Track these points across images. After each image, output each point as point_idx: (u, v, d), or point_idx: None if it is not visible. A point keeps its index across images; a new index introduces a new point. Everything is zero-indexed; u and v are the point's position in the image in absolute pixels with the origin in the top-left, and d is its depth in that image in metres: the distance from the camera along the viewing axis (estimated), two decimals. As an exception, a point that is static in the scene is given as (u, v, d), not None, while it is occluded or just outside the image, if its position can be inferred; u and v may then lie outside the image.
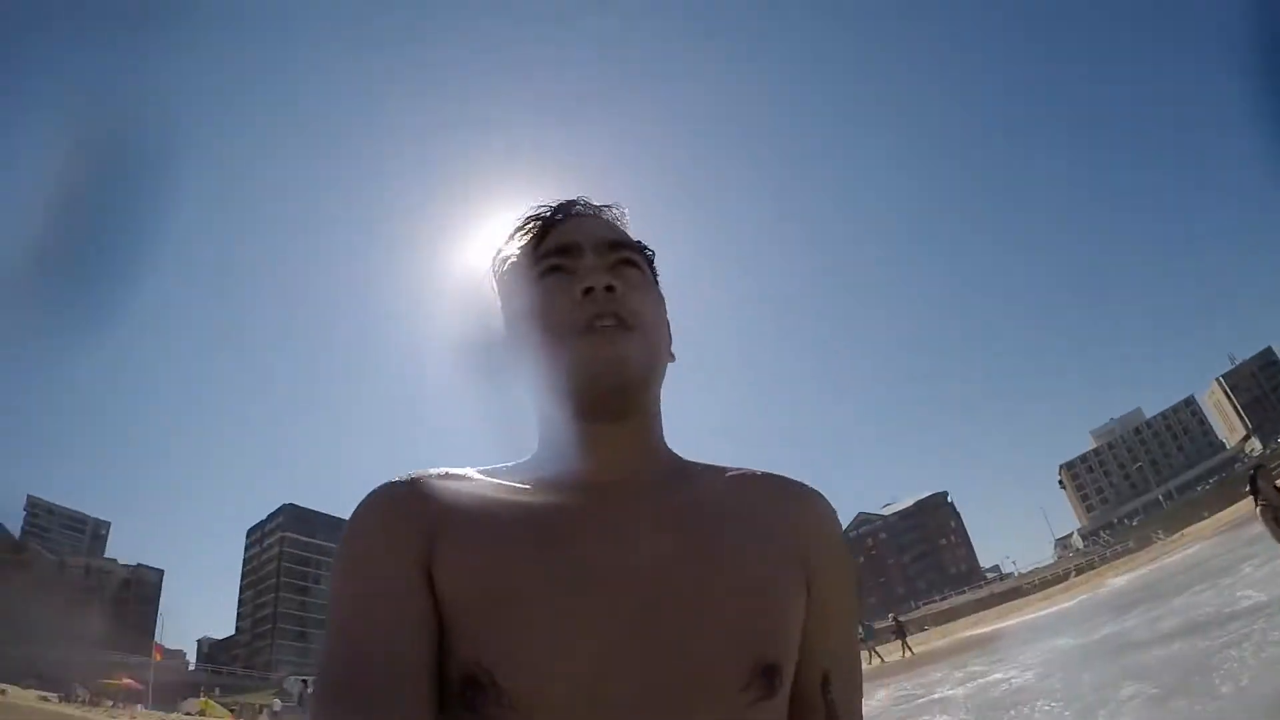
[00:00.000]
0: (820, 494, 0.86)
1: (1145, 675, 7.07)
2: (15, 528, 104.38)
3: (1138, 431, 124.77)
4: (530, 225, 0.87)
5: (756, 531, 0.77)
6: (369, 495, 0.76)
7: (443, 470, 0.80)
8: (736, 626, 0.70)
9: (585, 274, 0.78)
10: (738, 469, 0.86)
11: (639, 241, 0.89)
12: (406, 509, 0.74)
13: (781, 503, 0.82)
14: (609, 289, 0.77)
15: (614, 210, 0.90)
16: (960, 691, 10.56)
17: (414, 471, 0.79)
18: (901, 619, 31.47)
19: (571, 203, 0.88)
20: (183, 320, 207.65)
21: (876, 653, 24.28)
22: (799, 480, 0.87)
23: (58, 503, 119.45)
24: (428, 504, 0.74)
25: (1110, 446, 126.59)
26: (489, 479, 0.80)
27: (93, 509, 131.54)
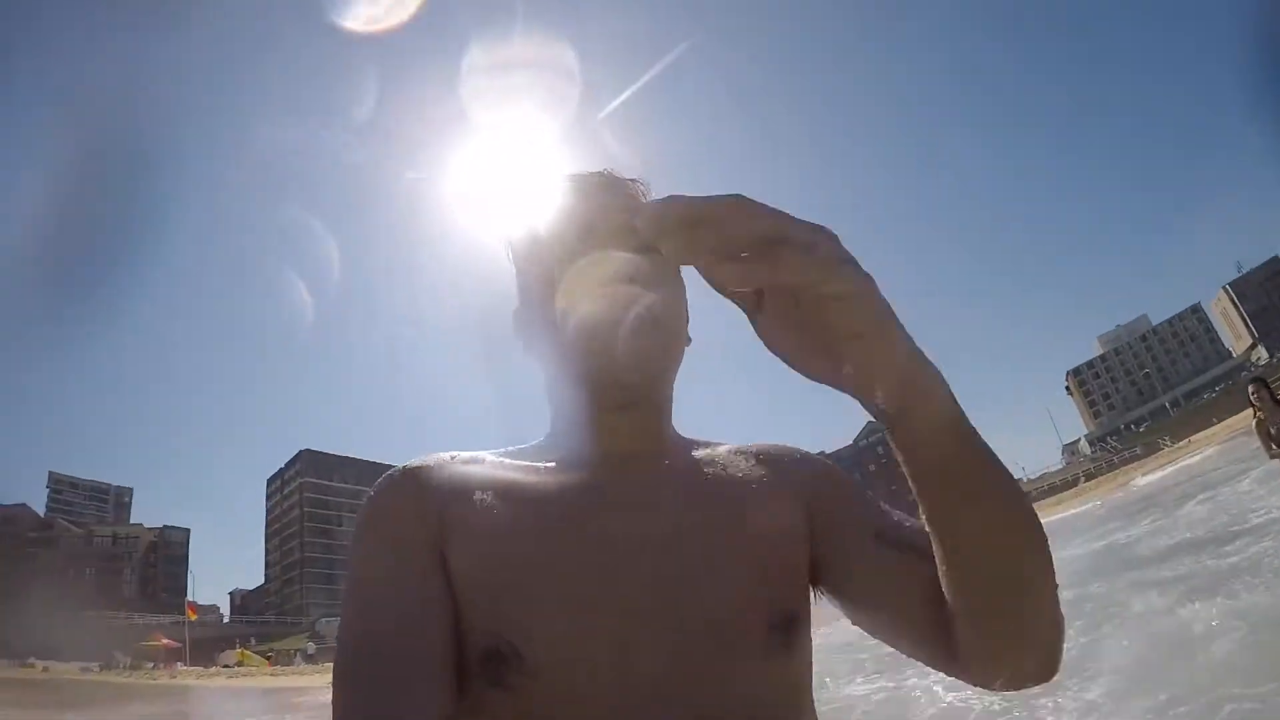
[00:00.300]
0: (819, 457, 0.89)
1: (1154, 586, 7.08)
2: (40, 505, 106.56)
3: (1144, 338, 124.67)
4: (551, 202, 0.85)
5: (759, 490, 0.79)
6: (382, 479, 0.78)
7: (454, 454, 0.82)
8: (750, 579, 0.72)
9: (604, 260, 0.77)
10: (738, 445, 0.88)
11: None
12: (419, 491, 0.75)
13: (779, 463, 0.84)
14: (629, 278, 0.76)
15: (640, 186, 0.87)
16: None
17: (426, 456, 0.81)
18: None
19: (597, 177, 0.85)
20: (188, 278, 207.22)
21: None
22: (797, 447, 0.89)
23: (79, 475, 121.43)
24: (440, 486, 0.76)
25: (1117, 353, 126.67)
26: (500, 460, 0.82)
27: (114, 477, 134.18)
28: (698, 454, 0.84)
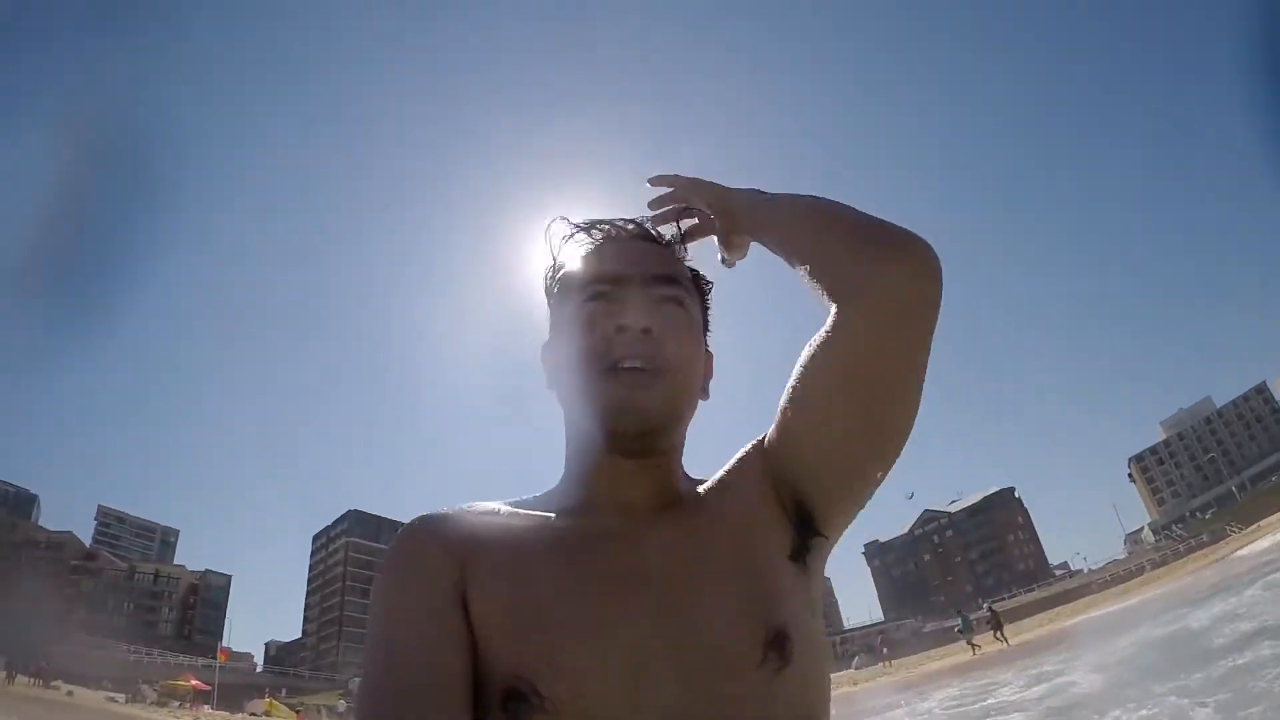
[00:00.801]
0: (748, 448, 0.92)
1: (1219, 685, 6.54)
2: (86, 536, 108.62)
3: (1208, 421, 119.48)
4: (585, 244, 0.89)
5: (742, 515, 0.83)
6: (405, 527, 0.82)
7: (472, 505, 0.85)
8: (740, 603, 0.75)
9: (625, 309, 0.80)
10: (720, 471, 0.91)
11: (694, 272, 0.92)
12: (440, 537, 0.79)
13: (741, 475, 0.88)
14: (645, 330, 0.79)
15: (665, 239, 0.93)
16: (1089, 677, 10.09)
17: (446, 507, 0.84)
18: (996, 608, 30.41)
19: (630, 224, 0.90)
20: (251, 336, 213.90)
21: (974, 644, 23.77)
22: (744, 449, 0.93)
23: (128, 511, 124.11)
24: (460, 532, 0.79)
25: (1180, 437, 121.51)
26: (515, 509, 0.85)
27: (162, 517, 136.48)
28: (697, 491, 0.87)
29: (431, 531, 0.80)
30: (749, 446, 0.90)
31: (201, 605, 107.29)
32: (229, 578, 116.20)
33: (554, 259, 0.91)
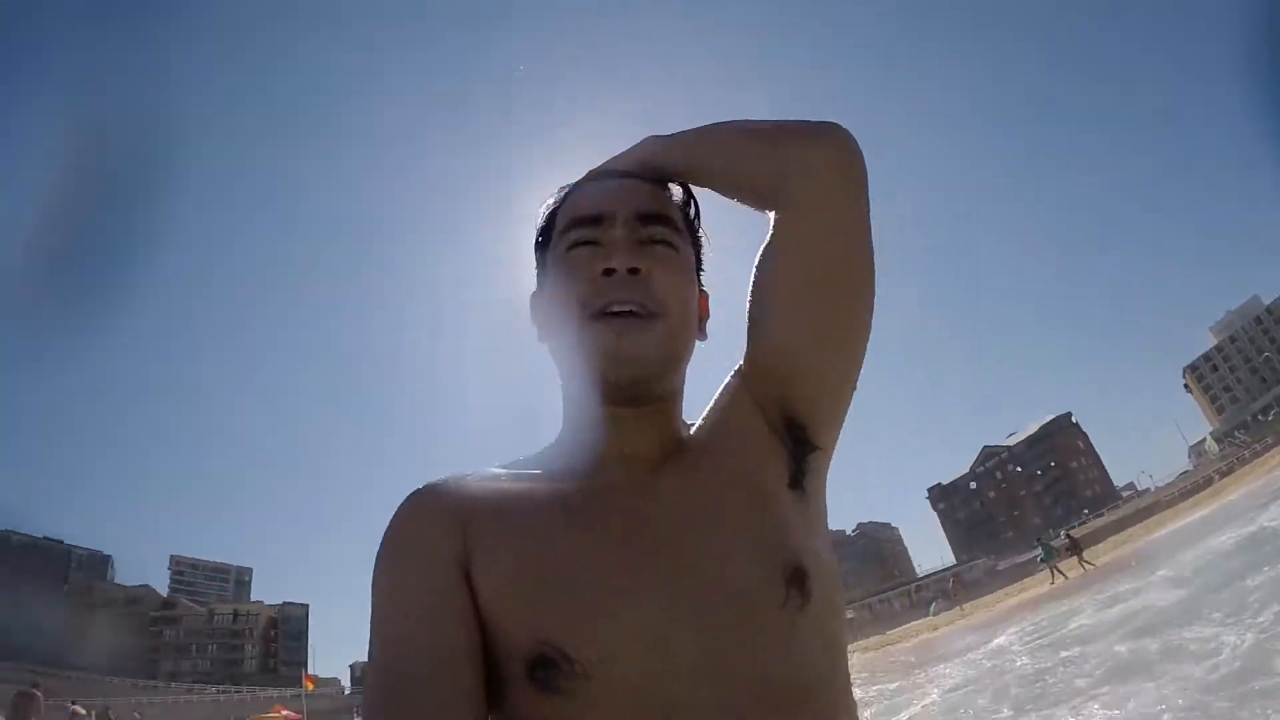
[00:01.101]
0: (731, 376, 0.91)
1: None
2: (163, 586, 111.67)
3: (1259, 320, 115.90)
4: (564, 188, 0.86)
5: (740, 452, 0.81)
6: (403, 502, 0.78)
7: (470, 471, 0.82)
8: (758, 544, 0.74)
9: (610, 250, 0.77)
10: (709, 412, 0.89)
11: (684, 206, 0.88)
12: (439, 509, 0.76)
13: (731, 408, 0.86)
14: (632, 271, 0.76)
15: (673, 188, 0.88)
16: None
17: (444, 477, 0.81)
18: (1075, 534, 30.24)
19: (611, 161, 0.87)
20: (303, 366, 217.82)
21: (1059, 570, 23.43)
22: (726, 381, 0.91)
23: (200, 557, 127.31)
24: (459, 502, 0.76)
25: (1232, 340, 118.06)
26: (516, 470, 0.82)
27: (234, 558, 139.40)
28: (695, 435, 0.84)
29: (429, 504, 0.77)
30: (729, 379, 0.88)
31: (283, 637, 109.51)
32: (306, 606, 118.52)
33: (541, 214, 0.88)
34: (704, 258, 0.89)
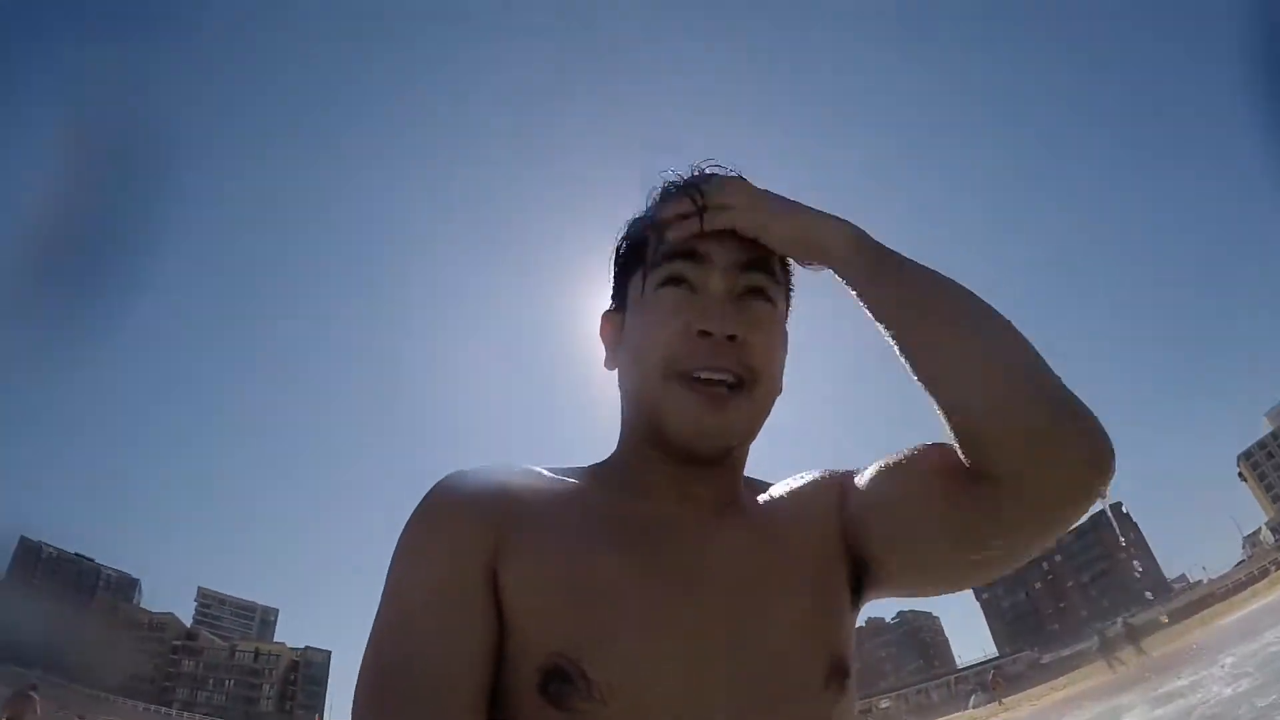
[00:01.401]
0: (824, 473, 0.85)
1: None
2: (187, 616, 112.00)
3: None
4: (663, 208, 0.78)
5: (809, 536, 0.77)
6: (436, 485, 0.73)
7: (509, 465, 0.77)
8: (811, 627, 0.71)
9: (706, 305, 0.72)
10: (783, 482, 0.85)
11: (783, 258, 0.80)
12: (473, 500, 0.71)
13: (812, 495, 0.81)
14: (730, 338, 0.70)
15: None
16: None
17: (481, 466, 0.76)
18: (1133, 622, 29.58)
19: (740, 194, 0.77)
20: (339, 409, 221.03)
21: (1119, 659, 22.47)
22: (814, 471, 0.86)
23: (228, 592, 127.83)
24: (496, 495, 0.72)
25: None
26: (559, 477, 0.77)
27: (262, 597, 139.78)
28: (759, 498, 0.81)
29: (464, 492, 0.72)
30: (825, 474, 0.83)
31: (302, 681, 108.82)
32: (329, 653, 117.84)
33: (628, 221, 0.82)
34: (792, 297, 0.82)
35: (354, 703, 0.63)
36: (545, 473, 0.77)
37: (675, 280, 0.73)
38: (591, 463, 0.82)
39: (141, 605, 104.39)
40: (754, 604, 0.69)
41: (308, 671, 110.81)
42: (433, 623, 0.65)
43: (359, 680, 0.64)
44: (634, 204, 0.82)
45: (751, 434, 0.75)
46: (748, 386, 0.71)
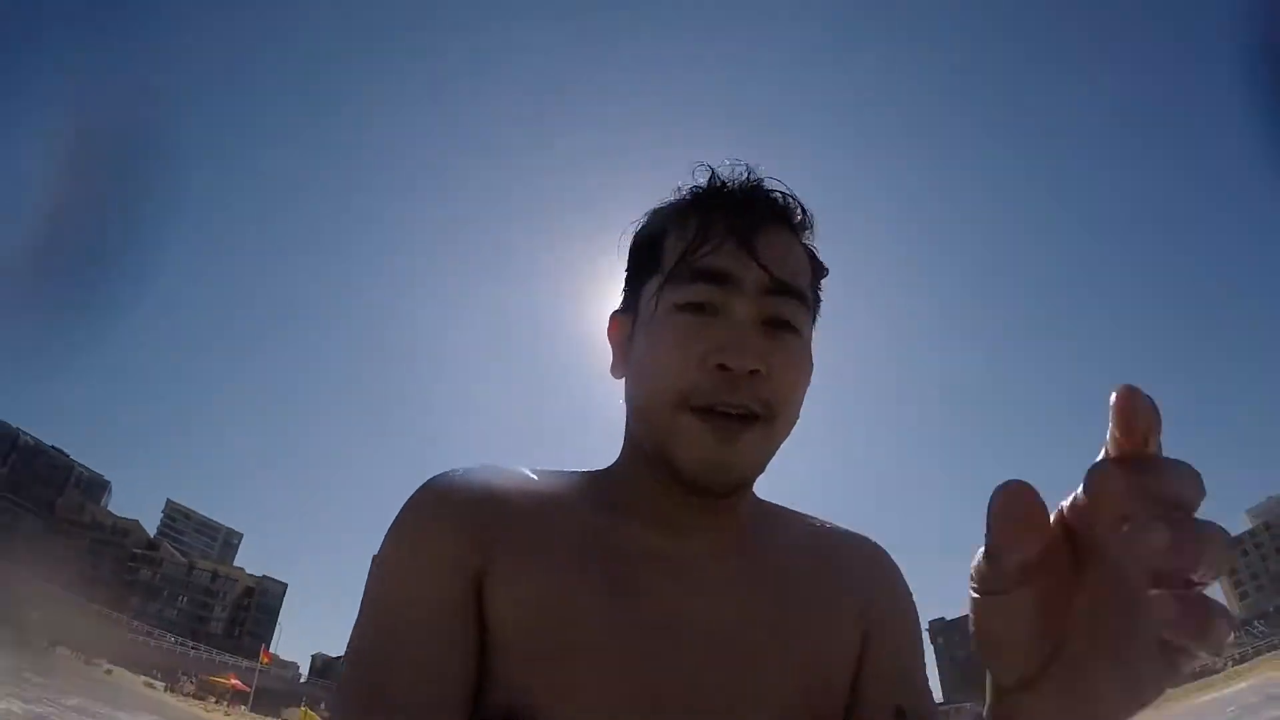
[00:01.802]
0: (880, 547, 0.81)
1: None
2: (152, 527, 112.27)
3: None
4: (686, 212, 0.71)
5: (819, 595, 0.71)
6: (421, 490, 0.69)
7: (501, 468, 0.73)
8: (793, 700, 0.65)
9: (728, 337, 0.64)
10: (809, 520, 0.80)
11: (814, 265, 0.73)
12: (460, 513, 0.67)
13: (845, 561, 0.76)
14: (753, 373, 0.64)
15: (798, 215, 0.73)
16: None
17: (471, 468, 0.72)
18: None
19: (748, 198, 0.71)
20: (332, 346, 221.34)
21: None
22: (861, 534, 0.81)
23: (196, 509, 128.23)
24: (482, 510, 0.67)
25: (1268, 527, 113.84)
26: (553, 489, 0.72)
27: (228, 519, 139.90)
28: (770, 532, 0.75)
29: (450, 503, 0.68)
30: (864, 555, 0.79)
31: (255, 609, 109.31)
32: (285, 585, 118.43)
33: (644, 216, 0.75)
34: (817, 318, 0.75)
35: (331, 712, 0.61)
36: (536, 480, 0.72)
37: (695, 306, 0.66)
38: (589, 469, 0.77)
39: (109, 508, 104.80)
40: (732, 665, 0.65)
41: (262, 600, 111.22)
42: (411, 649, 0.61)
43: (338, 693, 0.62)
44: (650, 193, 0.75)
45: (762, 468, 0.69)
46: (764, 420, 0.65)
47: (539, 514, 0.68)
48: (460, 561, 0.64)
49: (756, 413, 0.64)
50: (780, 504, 0.80)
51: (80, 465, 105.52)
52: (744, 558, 0.71)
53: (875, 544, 0.80)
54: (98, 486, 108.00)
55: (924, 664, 0.76)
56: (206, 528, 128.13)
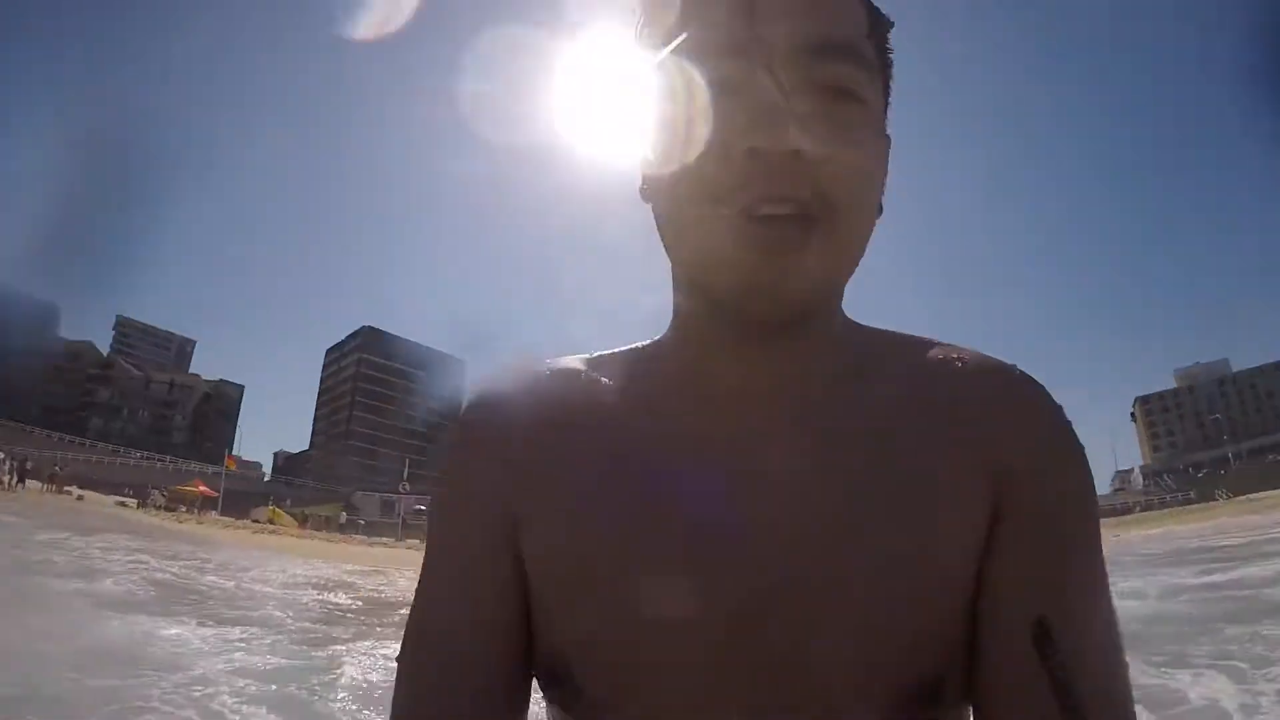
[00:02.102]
0: (1018, 375, 0.60)
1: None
2: (105, 345, 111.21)
3: (1222, 383, 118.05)
4: None
5: (925, 461, 0.55)
6: (460, 422, 0.64)
7: (549, 368, 0.64)
8: (883, 631, 0.52)
9: (757, 110, 0.49)
10: (929, 349, 0.62)
11: (874, 13, 0.56)
12: (494, 453, 0.61)
13: (970, 406, 0.57)
14: (795, 154, 0.48)
15: None
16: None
17: (516, 370, 0.65)
18: None
19: None
20: (271, 140, 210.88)
21: None
22: (993, 361, 0.61)
23: (147, 321, 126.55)
24: (517, 444, 0.60)
25: (1191, 390, 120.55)
26: (592, 391, 0.62)
27: (180, 327, 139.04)
28: (868, 375, 0.59)
29: (485, 442, 0.62)
30: (1000, 388, 0.59)
31: (214, 415, 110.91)
32: (242, 388, 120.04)
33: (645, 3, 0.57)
34: (892, 89, 0.58)
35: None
36: (580, 381, 0.63)
37: (717, 83, 0.50)
38: (643, 342, 0.65)
39: (60, 334, 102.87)
40: (807, 587, 0.52)
41: (220, 405, 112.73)
42: (448, 596, 0.60)
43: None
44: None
45: (833, 286, 0.55)
46: (825, 221, 0.49)
47: (572, 435, 0.60)
48: (496, 503, 0.59)
49: (812, 211, 0.49)
50: (890, 329, 0.65)
51: (24, 295, 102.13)
52: (825, 419, 0.57)
53: (1019, 375, 0.60)
54: (50, 314, 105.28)
55: (1091, 547, 0.55)
56: (160, 339, 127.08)
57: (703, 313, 0.57)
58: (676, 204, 0.52)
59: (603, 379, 0.63)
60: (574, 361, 0.64)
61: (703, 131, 0.50)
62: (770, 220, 0.48)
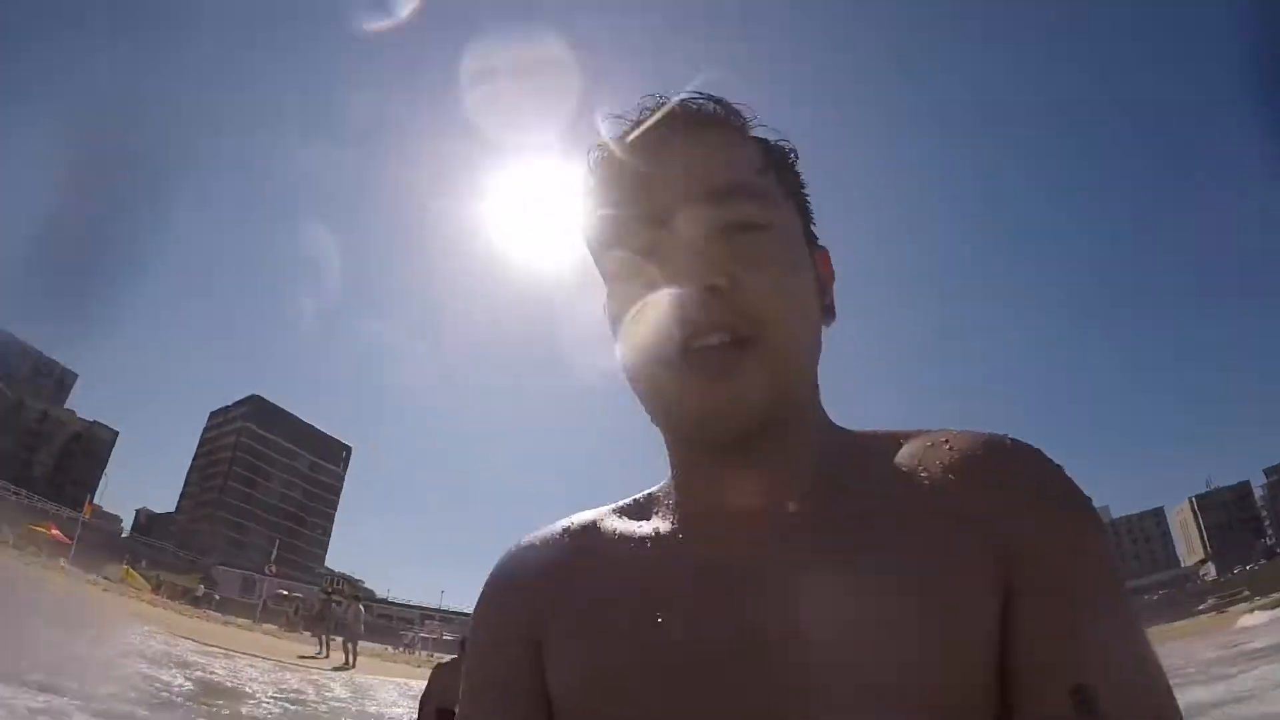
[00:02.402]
0: (1011, 444, 0.60)
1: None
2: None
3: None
4: (598, 161, 0.62)
5: (925, 544, 0.55)
6: (496, 567, 0.72)
7: (568, 524, 0.71)
8: (907, 706, 0.51)
9: (675, 266, 0.55)
10: (916, 439, 0.63)
11: (768, 149, 0.62)
12: (522, 585, 0.69)
13: (969, 482, 0.58)
14: (711, 289, 0.54)
15: (722, 116, 0.61)
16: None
17: (540, 532, 0.72)
18: None
19: (659, 120, 0.59)
20: (195, 194, 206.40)
21: None
22: (982, 435, 0.62)
23: (31, 343, 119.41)
24: (542, 583, 0.67)
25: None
26: (608, 533, 0.68)
27: (64, 358, 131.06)
28: (858, 475, 0.61)
29: (514, 576, 0.70)
30: (1001, 466, 0.59)
31: (81, 456, 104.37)
32: (116, 434, 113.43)
33: (586, 184, 0.64)
34: (811, 207, 0.66)
35: None
36: (602, 522, 0.69)
37: (634, 246, 0.58)
38: (658, 484, 0.70)
39: None
40: (816, 690, 0.51)
41: (90, 447, 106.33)
42: (484, 714, 0.66)
43: None
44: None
45: (780, 400, 0.57)
46: (757, 340, 0.54)
47: (586, 571, 0.65)
48: (523, 636, 0.65)
49: (742, 333, 0.54)
50: (881, 429, 0.67)
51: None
52: (809, 527, 0.58)
53: (1012, 443, 0.60)
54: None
55: (1117, 605, 0.53)
56: (43, 364, 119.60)
57: (678, 444, 0.64)
58: (630, 353, 0.59)
59: (618, 520, 0.69)
60: (598, 510, 0.71)
61: (634, 291, 0.57)
62: (705, 350, 0.54)
